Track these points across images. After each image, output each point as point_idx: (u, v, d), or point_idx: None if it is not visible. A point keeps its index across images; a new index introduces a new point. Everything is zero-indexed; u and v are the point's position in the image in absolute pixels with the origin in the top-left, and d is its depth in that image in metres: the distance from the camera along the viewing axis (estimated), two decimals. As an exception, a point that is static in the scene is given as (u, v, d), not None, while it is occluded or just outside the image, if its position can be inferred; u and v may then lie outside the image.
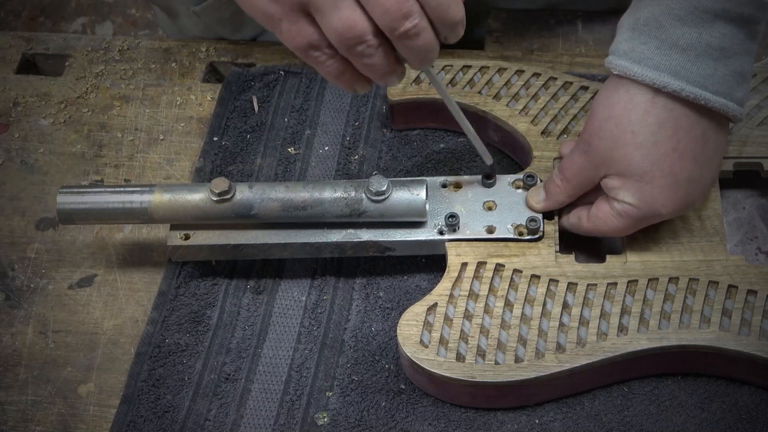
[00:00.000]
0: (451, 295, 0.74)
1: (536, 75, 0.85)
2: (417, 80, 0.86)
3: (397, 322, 0.73)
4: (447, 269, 0.75)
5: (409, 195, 0.76)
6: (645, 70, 0.69)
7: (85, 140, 0.91)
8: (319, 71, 0.68)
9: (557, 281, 0.74)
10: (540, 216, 0.77)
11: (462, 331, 0.72)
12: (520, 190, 0.79)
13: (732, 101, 0.70)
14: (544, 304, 0.73)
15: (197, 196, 0.77)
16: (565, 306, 0.73)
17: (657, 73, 0.69)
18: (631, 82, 0.71)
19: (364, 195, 0.76)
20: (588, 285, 0.74)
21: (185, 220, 0.78)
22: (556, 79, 0.85)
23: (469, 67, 0.86)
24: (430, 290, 0.75)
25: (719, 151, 0.73)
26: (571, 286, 0.74)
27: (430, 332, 0.72)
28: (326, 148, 0.88)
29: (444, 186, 0.80)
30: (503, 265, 0.75)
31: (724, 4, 0.68)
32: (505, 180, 0.80)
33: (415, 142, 0.87)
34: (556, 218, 0.78)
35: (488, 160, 0.78)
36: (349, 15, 0.63)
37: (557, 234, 0.77)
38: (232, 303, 0.79)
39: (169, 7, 1.02)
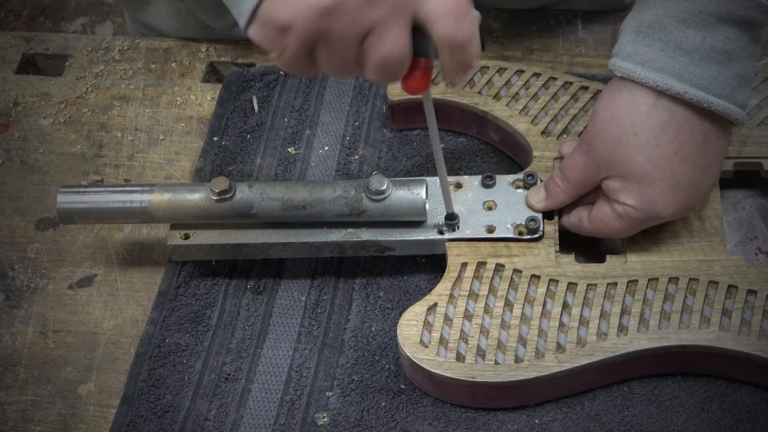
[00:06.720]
0: (451, 295, 0.74)
1: (536, 75, 0.85)
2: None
3: (397, 322, 0.73)
4: (447, 269, 0.75)
5: (408, 194, 0.76)
6: (648, 72, 0.69)
7: (85, 140, 0.91)
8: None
9: (557, 281, 0.74)
10: (540, 216, 0.77)
11: (462, 331, 0.72)
12: (520, 190, 0.79)
13: (735, 104, 0.70)
14: (544, 304, 0.73)
15: (197, 196, 0.77)
16: (565, 306, 0.73)
17: (660, 76, 0.69)
18: (634, 84, 0.71)
19: (363, 194, 0.76)
20: (588, 285, 0.74)
21: (185, 220, 0.78)
22: (556, 79, 0.85)
23: (469, 67, 0.86)
24: (430, 290, 0.75)
25: (720, 155, 0.73)
26: (571, 286, 0.74)
27: (430, 332, 0.72)
28: (326, 148, 0.88)
29: (444, 186, 0.80)
30: (503, 265, 0.75)
31: (729, 7, 0.68)
32: (505, 180, 0.79)
33: (415, 142, 0.87)
34: (556, 218, 0.78)
35: (449, 208, 0.77)
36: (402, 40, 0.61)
37: (557, 234, 0.77)
38: (232, 303, 0.79)
39: None
